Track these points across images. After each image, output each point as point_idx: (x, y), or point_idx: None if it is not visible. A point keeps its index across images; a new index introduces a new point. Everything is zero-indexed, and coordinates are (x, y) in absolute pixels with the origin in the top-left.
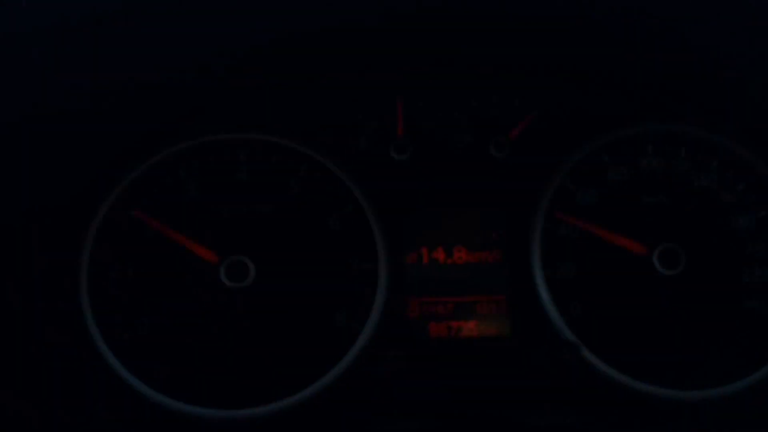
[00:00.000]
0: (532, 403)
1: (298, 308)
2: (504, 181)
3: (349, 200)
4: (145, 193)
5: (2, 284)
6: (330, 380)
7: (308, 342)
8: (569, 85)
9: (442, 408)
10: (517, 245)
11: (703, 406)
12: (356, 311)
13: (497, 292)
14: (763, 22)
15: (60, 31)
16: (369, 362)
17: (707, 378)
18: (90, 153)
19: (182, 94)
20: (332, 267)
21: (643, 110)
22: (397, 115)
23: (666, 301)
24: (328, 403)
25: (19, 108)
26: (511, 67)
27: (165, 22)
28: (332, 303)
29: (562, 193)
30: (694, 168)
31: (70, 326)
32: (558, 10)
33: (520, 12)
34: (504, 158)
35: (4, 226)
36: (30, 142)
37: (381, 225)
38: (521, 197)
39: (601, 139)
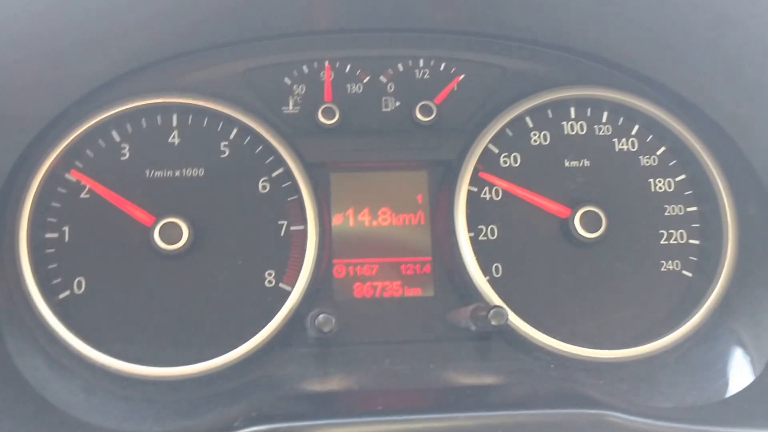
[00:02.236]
0: (454, 361)
1: (230, 269)
2: (429, 145)
3: (278, 164)
4: (81, 155)
5: None
6: (262, 339)
7: (240, 302)
8: (494, 50)
9: (368, 366)
10: (441, 208)
11: (623, 366)
12: (285, 272)
13: (421, 254)
14: None
15: None
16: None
17: (627, 338)
18: (27, 116)
19: (114, 57)
20: (263, 229)
21: (566, 75)
22: (325, 81)
23: (586, 264)
24: (259, 362)
25: None
26: (437, 32)
27: None
28: (262, 264)
29: (486, 157)
30: (616, 132)
31: (9, 286)
32: None
33: None
34: (429, 122)
35: None
36: None
37: (309, 188)
38: (446, 161)
39: (524, 104)
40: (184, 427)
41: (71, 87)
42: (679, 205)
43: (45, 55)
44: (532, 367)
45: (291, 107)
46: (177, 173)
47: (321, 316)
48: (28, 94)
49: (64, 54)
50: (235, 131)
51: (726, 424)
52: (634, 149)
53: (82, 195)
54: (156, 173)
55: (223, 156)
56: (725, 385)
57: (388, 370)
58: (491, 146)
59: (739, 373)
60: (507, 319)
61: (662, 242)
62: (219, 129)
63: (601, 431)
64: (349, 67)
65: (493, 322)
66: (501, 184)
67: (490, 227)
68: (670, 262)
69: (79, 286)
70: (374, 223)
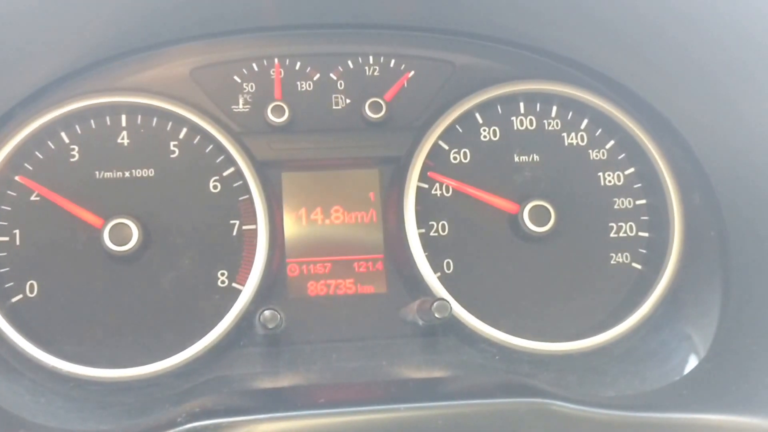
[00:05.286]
0: (402, 357)
1: (181, 270)
2: (379, 143)
3: (229, 163)
4: (29, 157)
5: None
6: (214, 338)
7: (192, 302)
8: (443, 46)
9: (322, 363)
10: (392, 205)
11: (569, 358)
12: (238, 271)
13: (374, 251)
14: None
15: None
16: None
17: (575, 331)
18: None
19: (60, 56)
20: (214, 229)
21: (515, 70)
22: (275, 79)
23: (536, 258)
24: (211, 362)
25: None
26: (386, 28)
27: None
28: (215, 264)
29: (435, 154)
30: (565, 127)
31: None
32: None
33: None
34: (380, 120)
35: None
36: None
37: (260, 187)
38: (396, 158)
39: (473, 99)
40: (130, 425)
41: (17, 87)
42: (629, 198)
43: None
44: (479, 360)
45: (241, 105)
46: (127, 174)
47: (266, 312)
48: None
49: (9, 53)
50: (184, 131)
51: (666, 410)
52: (584, 143)
53: (32, 197)
54: (106, 174)
55: (173, 156)
56: (668, 372)
57: (336, 366)
58: (441, 143)
59: (683, 361)
60: (450, 311)
61: (611, 235)
62: (168, 128)
63: (542, 419)
64: (298, 64)
65: (437, 315)
66: (450, 183)
67: (440, 223)
68: (619, 254)
69: (32, 289)
70: (327, 221)
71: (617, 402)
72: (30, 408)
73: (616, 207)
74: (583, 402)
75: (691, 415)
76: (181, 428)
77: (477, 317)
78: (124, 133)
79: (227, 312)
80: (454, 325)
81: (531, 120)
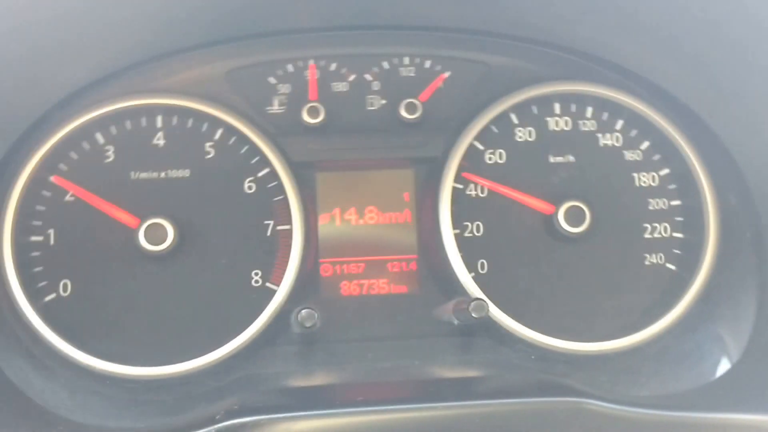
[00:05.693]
0: (437, 356)
1: (216, 269)
2: (414, 143)
3: (263, 164)
4: (64, 158)
5: None
6: (248, 337)
7: (227, 301)
8: (478, 47)
9: (351, 362)
10: (426, 205)
11: (604, 358)
12: (272, 271)
13: (408, 252)
14: None
15: None
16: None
17: (610, 331)
18: (8, 119)
19: (97, 58)
20: (249, 229)
21: (550, 71)
22: (309, 80)
23: (571, 259)
24: (245, 360)
25: None
26: (422, 29)
27: None
28: (249, 264)
29: (471, 154)
30: (600, 127)
31: None
32: None
33: None
34: (415, 120)
35: None
36: None
37: (295, 188)
38: (431, 158)
39: (509, 100)
40: (167, 423)
41: (53, 89)
42: (663, 199)
43: (26, 57)
44: (513, 359)
45: (276, 107)
46: (162, 174)
47: (303, 311)
48: (8, 97)
49: (46, 55)
50: (220, 132)
51: (700, 410)
52: (619, 144)
53: (67, 198)
54: (141, 175)
55: (208, 157)
56: (702, 373)
57: (371, 365)
58: (476, 143)
59: (717, 362)
60: (487, 311)
61: (646, 236)
62: (204, 130)
63: (578, 419)
64: (334, 65)
65: (474, 315)
66: (485, 183)
67: (475, 224)
68: (653, 255)
69: (65, 288)
70: (361, 221)
71: (652, 401)
72: (67, 405)
73: (650, 208)
74: (619, 401)
75: (725, 415)
76: (219, 425)
77: (511, 317)
78: (160, 133)
79: (261, 311)
80: (488, 325)
81: (566, 121)
